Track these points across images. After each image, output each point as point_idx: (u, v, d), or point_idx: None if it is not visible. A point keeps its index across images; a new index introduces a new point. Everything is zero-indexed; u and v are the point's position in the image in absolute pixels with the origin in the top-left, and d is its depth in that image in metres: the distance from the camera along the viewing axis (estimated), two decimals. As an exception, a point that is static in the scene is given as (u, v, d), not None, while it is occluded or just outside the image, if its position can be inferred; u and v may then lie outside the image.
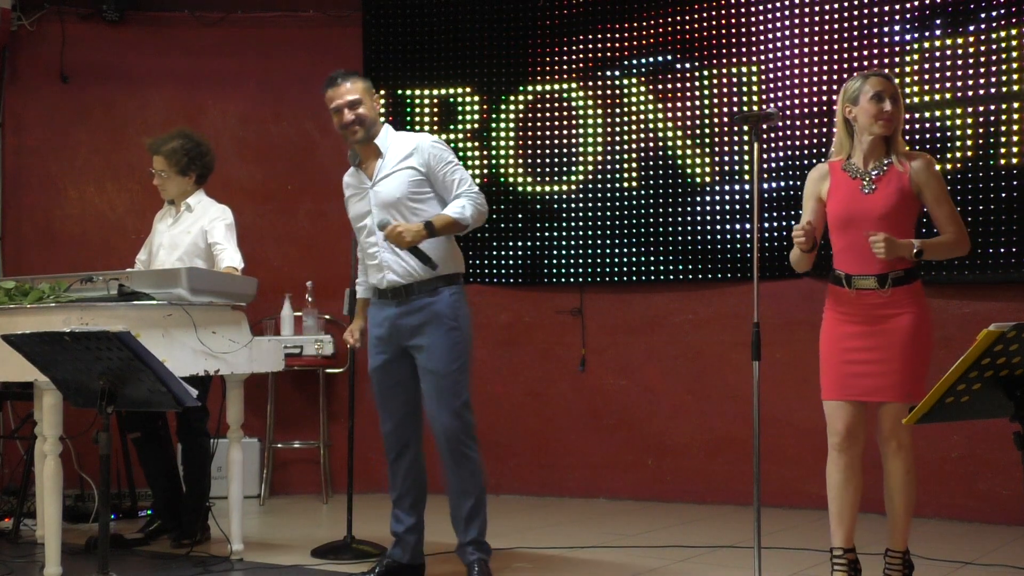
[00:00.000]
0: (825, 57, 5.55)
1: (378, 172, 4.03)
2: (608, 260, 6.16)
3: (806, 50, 5.61)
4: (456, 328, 3.96)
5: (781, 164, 5.69)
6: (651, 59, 6.07)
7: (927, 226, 4.02)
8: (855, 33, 5.49)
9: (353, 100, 4.01)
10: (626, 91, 6.14)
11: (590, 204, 6.20)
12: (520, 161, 6.33)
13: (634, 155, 6.11)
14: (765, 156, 5.71)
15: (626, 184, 6.12)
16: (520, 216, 6.31)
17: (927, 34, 5.28)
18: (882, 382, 3.65)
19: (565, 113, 6.27)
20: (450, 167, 4.00)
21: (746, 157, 5.79)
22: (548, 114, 6.29)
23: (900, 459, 3.68)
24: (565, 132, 6.26)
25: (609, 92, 6.18)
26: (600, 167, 6.19)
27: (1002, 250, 5.07)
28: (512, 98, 6.35)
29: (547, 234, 6.28)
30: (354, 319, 4.33)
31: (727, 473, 5.84)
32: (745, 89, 5.82)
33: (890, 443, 3.69)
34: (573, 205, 6.24)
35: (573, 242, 6.23)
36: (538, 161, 6.30)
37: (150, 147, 4.95)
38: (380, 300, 4.06)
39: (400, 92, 6.45)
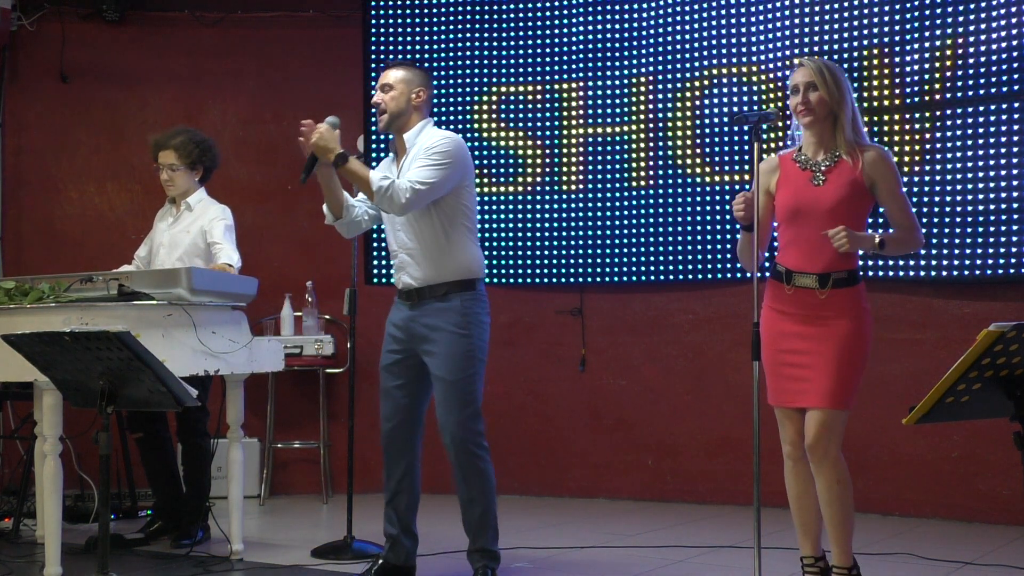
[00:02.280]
0: (825, 57, 5.55)
1: (402, 170, 3.91)
2: (608, 260, 6.16)
3: (806, 50, 5.61)
4: (466, 335, 3.88)
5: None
6: (650, 58, 6.07)
7: (874, 226, 3.99)
8: (855, 33, 5.49)
9: (383, 84, 3.94)
10: (626, 91, 6.14)
11: (589, 204, 6.20)
12: (520, 160, 6.33)
13: (634, 155, 6.11)
14: (765, 156, 5.69)
15: (626, 184, 6.12)
16: (520, 216, 6.32)
17: (927, 33, 5.28)
18: (809, 387, 3.50)
19: (565, 113, 6.27)
20: (427, 160, 3.81)
21: (746, 157, 5.79)
22: (548, 114, 6.30)
23: (827, 468, 3.48)
24: (565, 131, 6.26)
25: (609, 92, 6.18)
26: (600, 167, 6.18)
27: (1002, 250, 5.07)
28: (511, 98, 6.35)
29: (547, 234, 6.28)
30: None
31: (727, 473, 5.84)
32: (745, 89, 5.83)
33: (815, 452, 3.48)
34: (572, 205, 6.24)
35: (573, 242, 6.23)
36: (538, 160, 6.30)
37: (157, 143, 4.95)
38: (398, 300, 4.04)
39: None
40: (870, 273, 5.39)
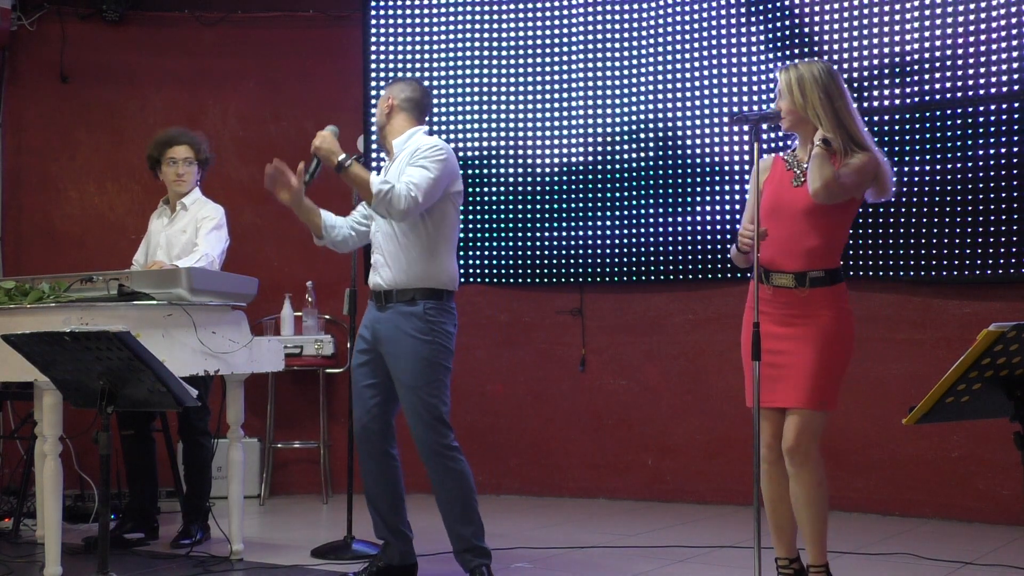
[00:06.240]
0: (825, 57, 5.55)
1: (388, 174, 3.94)
2: (608, 260, 6.16)
3: (805, 49, 5.61)
4: (427, 341, 3.86)
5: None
6: (650, 58, 6.07)
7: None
8: (855, 33, 5.49)
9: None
10: (625, 90, 6.14)
11: (589, 204, 6.20)
12: (520, 160, 6.33)
13: (634, 155, 6.11)
14: (765, 156, 5.69)
15: (626, 184, 6.12)
16: (520, 216, 6.31)
17: (927, 34, 5.28)
18: (787, 387, 3.47)
19: (565, 113, 6.27)
20: (420, 161, 3.84)
21: (746, 157, 5.79)
22: (548, 114, 6.29)
23: (807, 471, 3.45)
24: (565, 132, 6.26)
25: (609, 91, 6.17)
26: (600, 167, 6.18)
27: (1002, 250, 5.07)
28: (511, 98, 6.35)
29: (547, 234, 6.28)
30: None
31: (727, 473, 5.84)
32: (745, 89, 5.83)
33: (795, 455, 3.46)
34: (572, 205, 6.23)
35: (573, 242, 6.23)
36: (538, 160, 6.30)
37: (168, 139, 4.98)
38: (371, 301, 4.06)
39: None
40: (869, 273, 5.39)
